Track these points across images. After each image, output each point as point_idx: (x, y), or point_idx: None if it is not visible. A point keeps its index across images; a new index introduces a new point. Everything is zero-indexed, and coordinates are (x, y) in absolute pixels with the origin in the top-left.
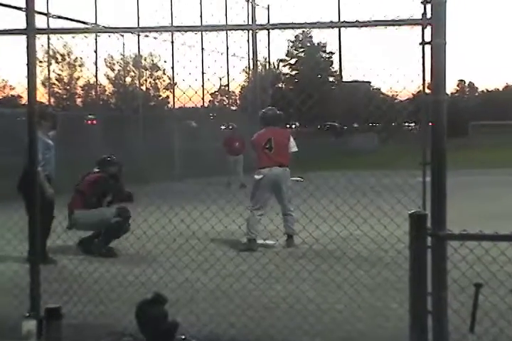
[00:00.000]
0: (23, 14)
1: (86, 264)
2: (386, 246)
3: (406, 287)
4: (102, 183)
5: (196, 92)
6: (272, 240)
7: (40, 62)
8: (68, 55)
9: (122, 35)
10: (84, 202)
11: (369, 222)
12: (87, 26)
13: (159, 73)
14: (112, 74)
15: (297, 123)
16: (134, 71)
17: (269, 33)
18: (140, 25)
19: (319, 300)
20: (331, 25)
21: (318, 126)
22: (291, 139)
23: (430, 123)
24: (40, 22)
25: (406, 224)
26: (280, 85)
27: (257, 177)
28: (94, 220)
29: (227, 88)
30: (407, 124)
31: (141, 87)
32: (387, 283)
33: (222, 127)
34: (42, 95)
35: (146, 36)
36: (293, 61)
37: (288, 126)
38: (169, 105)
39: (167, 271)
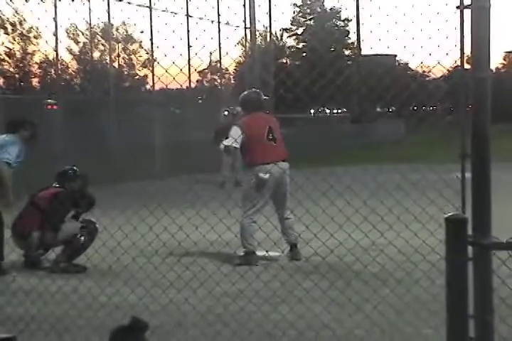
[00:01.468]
0: None
1: (47, 282)
2: (417, 257)
3: (442, 308)
4: (62, 199)
5: (181, 70)
6: (275, 251)
7: None
8: (20, 24)
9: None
10: (44, 221)
11: (395, 227)
12: None
13: (135, 46)
14: (76, 48)
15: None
16: (103, 44)
17: None
18: None
19: (335, 325)
20: None
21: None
22: None
23: (470, 106)
24: None
25: (441, 231)
26: (284, 60)
27: (263, 175)
28: (58, 239)
29: (218, 64)
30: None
31: (113, 64)
32: (419, 303)
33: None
34: None
35: (119, 0)
36: (300, 31)
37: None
38: (148, 86)
39: (147, 291)
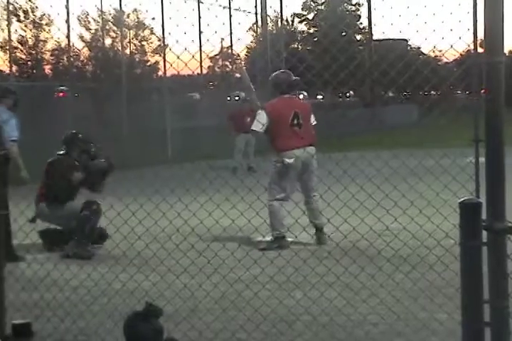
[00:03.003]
0: None
1: (62, 269)
2: (431, 242)
3: (456, 293)
4: (55, 168)
5: (193, 56)
6: (289, 237)
7: None
8: (33, 11)
9: None
10: (46, 193)
11: (409, 212)
12: None
13: (146, 33)
14: (87, 36)
15: (321, 94)
16: (115, 31)
17: None
18: None
19: (349, 311)
20: None
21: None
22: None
23: (484, 91)
24: None
25: (455, 215)
26: (296, 46)
27: (288, 160)
28: (63, 213)
29: (230, 50)
30: (455, 92)
31: (125, 51)
32: (433, 288)
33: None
34: (2, 62)
35: None
36: (311, 16)
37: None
38: (159, 73)
39: (162, 277)
